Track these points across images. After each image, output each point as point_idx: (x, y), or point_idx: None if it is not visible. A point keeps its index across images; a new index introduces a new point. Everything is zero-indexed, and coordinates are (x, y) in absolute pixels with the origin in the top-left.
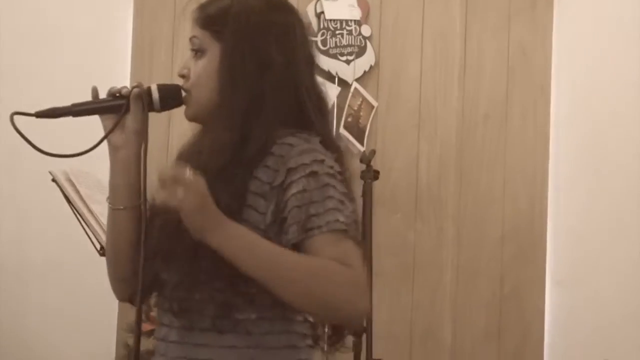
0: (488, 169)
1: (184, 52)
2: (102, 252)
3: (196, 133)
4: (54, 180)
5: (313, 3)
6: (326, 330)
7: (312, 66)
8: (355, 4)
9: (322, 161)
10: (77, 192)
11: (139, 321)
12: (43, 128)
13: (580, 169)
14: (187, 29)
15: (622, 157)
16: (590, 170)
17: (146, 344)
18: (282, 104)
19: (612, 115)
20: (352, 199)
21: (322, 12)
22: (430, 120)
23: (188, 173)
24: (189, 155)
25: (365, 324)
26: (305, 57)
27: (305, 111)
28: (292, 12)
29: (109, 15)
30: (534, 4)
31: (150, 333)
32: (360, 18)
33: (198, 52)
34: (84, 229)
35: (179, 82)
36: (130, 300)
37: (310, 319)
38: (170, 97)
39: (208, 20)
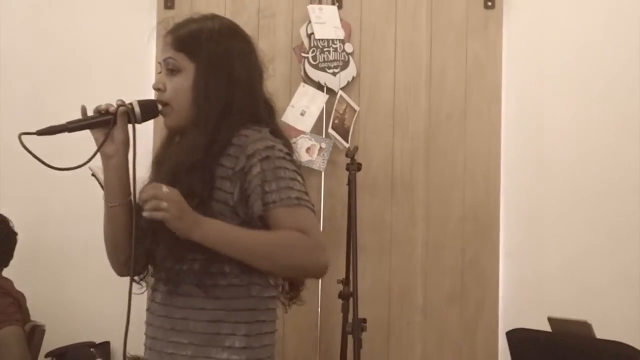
0: (451, 159)
1: None
2: None
3: (165, 141)
4: (93, 175)
5: (305, 26)
6: (283, 287)
7: (262, 78)
8: (340, 26)
9: (273, 147)
10: None
11: (130, 293)
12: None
13: (526, 159)
14: None
15: (560, 147)
16: (534, 159)
17: None
18: (245, 109)
19: (551, 114)
20: (300, 175)
21: (312, 33)
22: (403, 121)
23: (164, 189)
24: (165, 158)
25: (352, 289)
26: (259, 72)
27: (259, 111)
28: (247, 37)
29: (134, 49)
30: (486, 24)
31: None
32: (344, 37)
33: (174, 70)
34: None
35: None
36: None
37: (272, 282)
38: (149, 110)
39: (182, 44)
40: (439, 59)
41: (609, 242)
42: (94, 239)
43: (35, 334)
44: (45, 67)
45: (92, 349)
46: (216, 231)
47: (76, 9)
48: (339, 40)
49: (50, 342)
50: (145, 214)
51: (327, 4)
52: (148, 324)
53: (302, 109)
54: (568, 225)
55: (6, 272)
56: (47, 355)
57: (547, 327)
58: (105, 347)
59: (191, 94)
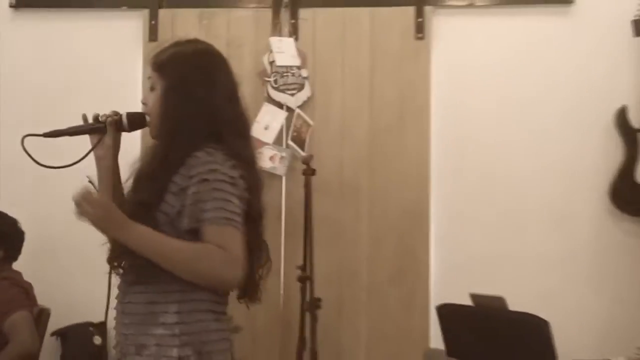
0: (389, 165)
1: None
2: None
3: (148, 149)
4: (90, 182)
5: (267, 55)
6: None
7: (234, 100)
8: (296, 55)
9: (215, 170)
10: None
11: (109, 282)
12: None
13: (450, 164)
14: None
15: (478, 154)
16: (457, 164)
17: None
18: (198, 127)
19: (471, 127)
20: (239, 197)
21: (274, 61)
22: (349, 133)
23: (89, 193)
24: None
25: (308, 273)
26: (225, 93)
27: (218, 131)
28: (219, 61)
29: (122, 75)
30: (417, 53)
31: None
32: (300, 64)
33: (151, 88)
34: None
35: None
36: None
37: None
38: (136, 121)
39: (157, 65)
40: (378, 82)
41: (518, 230)
42: (89, 234)
43: (41, 316)
44: (46, 88)
45: (90, 328)
46: (139, 235)
47: (74, 41)
48: (296, 66)
49: (55, 323)
50: (76, 215)
51: (285, 36)
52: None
53: (265, 124)
54: (485, 218)
55: (15, 265)
56: (52, 334)
57: (469, 302)
58: (102, 326)
59: (159, 110)
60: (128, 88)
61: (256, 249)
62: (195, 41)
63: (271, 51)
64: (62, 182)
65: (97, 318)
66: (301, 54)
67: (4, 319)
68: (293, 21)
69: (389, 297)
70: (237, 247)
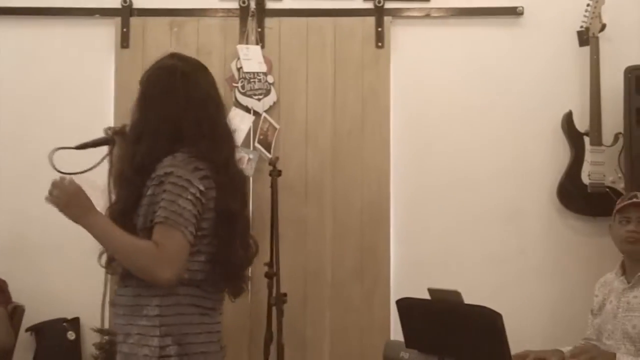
0: (351, 166)
1: None
2: None
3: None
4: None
5: (235, 61)
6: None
7: (202, 104)
8: (263, 62)
9: (171, 173)
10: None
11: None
12: None
13: (409, 165)
14: None
15: (436, 156)
16: (416, 166)
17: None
18: (159, 133)
19: (429, 131)
20: (194, 197)
21: (241, 67)
22: (313, 136)
23: (62, 180)
24: None
25: (274, 269)
26: (190, 98)
27: (182, 136)
28: (182, 63)
29: (96, 80)
30: (378, 60)
31: None
32: (266, 71)
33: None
34: None
35: None
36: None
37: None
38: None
39: (141, 78)
40: (341, 88)
41: (472, 228)
42: (65, 233)
43: (16, 313)
44: (20, 93)
45: (64, 324)
46: (97, 225)
47: (49, 47)
48: (263, 72)
49: (29, 319)
50: (46, 200)
51: (252, 44)
52: None
53: (233, 128)
54: (442, 217)
55: None
56: (27, 330)
57: (427, 296)
58: (75, 322)
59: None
60: (101, 93)
61: (229, 245)
62: (170, 55)
63: (239, 58)
64: (36, 182)
65: (71, 314)
66: (267, 61)
67: None
68: (259, 30)
69: (351, 292)
70: (172, 245)
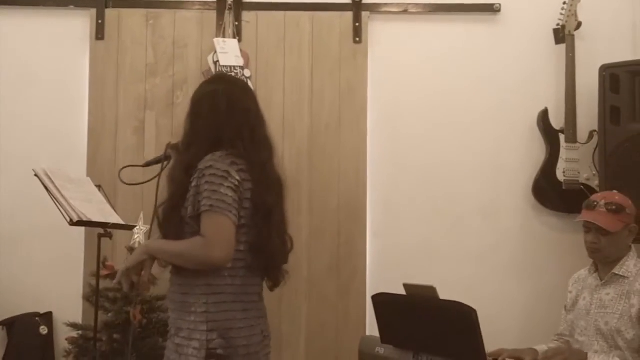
0: (328, 161)
1: (129, 88)
2: (71, 222)
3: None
4: (36, 175)
5: (212, 55)
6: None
7: (242, 115)
8: (240, 55)
9: (210, 166)
10: (53, 182)
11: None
12: None
13: (386, 160)
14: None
15: (412, 150)
16: (392, 160)
17: (103, 283)
18: (202, 139)
19: (404, 124)
20: (232, 187)
21: (218, 61)
22: (290, 130)
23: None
24: None
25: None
26: (232, 110)
27: (222, 140)
28: (226, 84)
29: (70, 70)
30: (355, 55)
31: (107, 277)
32: (243, 64)
33: None
34: (58, 207)
35: None
36: None
37: (229, 265)
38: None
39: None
40: (318, 82)
41: (448, 224)
42: (38, 228)
43: None
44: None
45: (37, 318)
46: (152, 247)
47: (22, 38)
48: (239, 66)
49: (1, 314)
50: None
51: (229, 37)
52: None
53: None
54: (418, 212)
55: None
56: None
57: (403, 291)
58: (48, 316)
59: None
60: (75, 85)
61: (267, 236)
62: (211, 79)
63: (215, 51)
64: (6, 175)
65: (44, 308)
66: (244, 55)
67: None
68: (237, 23)
69: (327, 287)
70: (220, 230)
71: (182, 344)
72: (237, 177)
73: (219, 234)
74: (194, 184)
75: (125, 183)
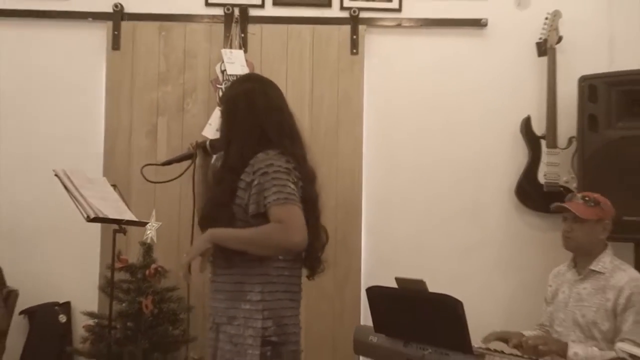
0: (327, 163)
1: (143, 95)
2: (88, 219)
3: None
4: (56, 175)
5: (219, 64)
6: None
7: (279, 112)
8: (245, 65)
9: (272, 164)
10: (72, 182)
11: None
12: None
13: (380, 163)
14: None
15: (403, 154)
16: (386, 163)
17: (117, 275)
18: (245, 136)
19: (397, 130)
20: (294, 182)
21: (225, 70)
22: None
23: (184, 257)
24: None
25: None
26: (268, 108)
27: (268, 137)
28: (257, 87)
29: (88, 78)
30: (352, 66)
31: (121, 269)
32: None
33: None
34: (76, 204)
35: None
36: None
37: (281, 257)
38: (217, 146)
39: (220, 100)
40: (318, 90)
41: (437, 222)
42: (58, 221)
43: (10, 297)
44: (18, 90)
45: (56, 307)
46: (218, 235)
47: (44, 47)
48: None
49: (23, 303)
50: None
51: (235, 48)
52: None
53: (217, 127)
54: (409, 211)
55: None
56: (20, 313)
57: (394, 285)
58: (66, 305)
59: (220, 130)
60: (93, 91)
61: (314, 230)
62: (243, 78)
63: (223, 61)
64: (31, 174)
65: (63, 298)
66: (249, 65)
67: None
68: (242, 35)
69: (325, 280)
70: (296, 217)
71: (237, 332)
72: (295, 174)
73: (296, 220)
74: (256, 182)
75: (149, 181)
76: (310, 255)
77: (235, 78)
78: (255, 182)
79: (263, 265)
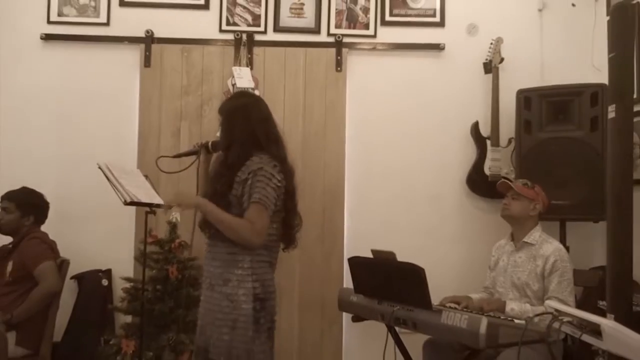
0: (316, 160)
1: (169, 104)
2: (125, 203)
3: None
4: (99, 167)
5: (230, 79)
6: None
7: (267, 122)
8: (251, 79)
9: (261, 168)
10: (112, 173)
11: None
12: None
13: (359, 159)
14: (168, 91)
15: (379, 152)
16: (363, 160)
17: (149, 248)
18: (243, 141)
19: (374, 133)
20: (275, 187)
21: (235, 84)
22: (288, 136)
23: (178, 192)
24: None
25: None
26: (259, 119)
27: (260, 143)
28: (251, 101)
29: (123, 94)
30: (337, 81)
31: (152, 243)
32: (254, 86)
33: (220, 124)
34: (115, 191)
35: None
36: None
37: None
38: (217, 147)
39: (219, 110)
40: (309, 100)
41: (404, 206)
42: (100, 204)
43: (63, 265)
44: (66, 102)
45: (100, 273)
46: (209, 208)
47: (88, 65)
48: (251, 88)
49: (73, 270)
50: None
51: (244, 66)
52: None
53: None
54: (382, 198)
55: (43, 228)
56: (71, 278)
57: (370, 255)
58: (108, 272)
59: (221, 135)
60: (128, 103)
61: (292, 215)
62: (238, 94)
63: (233, 76)
64: (77, 169)
65: (105, 266)
66: (255, 79)
67: (35, 267)
68: (249, 56)
69: (315, 252)
70: (263, 222)
71: (232, 292)
72: (278, 177)
73: (262, 227)
74: (249, 181)
75: (162, 171)
76: (288, 234)
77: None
78: (249, 182)
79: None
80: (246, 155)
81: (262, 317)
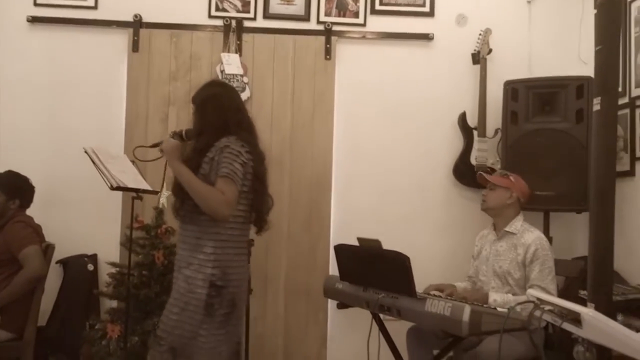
0: (304, 148)
1: (157, 89)
2: (111, 187)
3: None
4: (85, 152)
5: (219, 65)
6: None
7: (238, 111)
8: (240, 66)
9: (228, 146)
10: (98, 157)
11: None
12: None
13: (346, 149)
14: (156, 76)
15: (365, 140)
16: (351, 149)
17: (135, 233)
18: (213, 127)
19: (361, 122)
20: (243, 163)
21: (224, 70)
22: (277, 124)
23: (168, 139)
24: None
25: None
26: (231, 107)
27: (229, 128)
28: (223, 90)
29: (111, 78)
30: (326, 69)
31: (138, 228)
32: (243, 73)
33: (193, 114)
34: (102, 176)
35: None
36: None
37: (231, 219)
38: (190, 135)
39: (192, 99)
40: (298, 88)
41: (392, 196)
42: (86, 188)
43: (48, 250)
44: (52, 85)
45: (85, 258)
46: (184, 170)
47: (75, 49)
48: (240, 74)
49: (58, 254)
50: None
51: (232, 53)
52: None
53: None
54: (369, 186)
55: (28, 212)
56: (56, 263)
57: (356, 243)
58: (94, 257)
59: (193, 122)
60: (115, 88)
61: (262, 198)
62: (210, 83)
63: (222, 63)
64: (63, 153)
65: (91, 251)
66: (243, 66)
67: (20, 251)
68: (238, 42)
69: (301, 240)
70: (233, 194)
71: (191, 275)
72: (246, 156)
73: (232, 198)
74: (216, 158)
75: (137, 159)
76: (259, 217)
77: (230, 77)
78: (217, 159)
79: (217, 226)
80: (215, 141)
81: (217, 303)
